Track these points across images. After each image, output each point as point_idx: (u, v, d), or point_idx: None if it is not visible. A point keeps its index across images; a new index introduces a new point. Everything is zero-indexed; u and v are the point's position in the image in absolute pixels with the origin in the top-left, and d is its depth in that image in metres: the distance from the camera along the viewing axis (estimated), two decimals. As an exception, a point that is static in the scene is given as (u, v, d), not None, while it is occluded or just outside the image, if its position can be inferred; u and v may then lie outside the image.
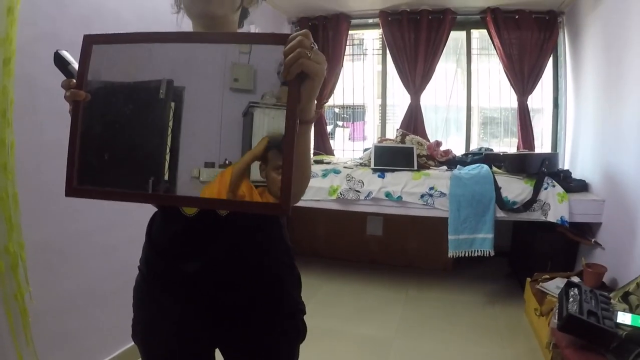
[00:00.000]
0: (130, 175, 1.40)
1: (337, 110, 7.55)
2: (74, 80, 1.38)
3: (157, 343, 1.74)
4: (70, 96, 1.37)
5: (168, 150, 1.35)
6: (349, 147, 7.39)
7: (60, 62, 1.45)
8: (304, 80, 1.27)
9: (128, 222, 3.44)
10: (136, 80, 1.38)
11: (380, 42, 6.78)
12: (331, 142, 7.08)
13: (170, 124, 1.35)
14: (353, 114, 7.63)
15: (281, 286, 1.74)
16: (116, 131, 1.40)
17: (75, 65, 1.41)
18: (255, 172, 1.32)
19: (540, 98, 6.24)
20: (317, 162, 5.70)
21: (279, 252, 1.74)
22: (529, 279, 4.58)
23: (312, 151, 1.42)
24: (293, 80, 1.26)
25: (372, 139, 7.04)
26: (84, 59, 1.38)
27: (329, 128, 7.23)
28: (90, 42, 1.40)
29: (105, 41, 1.41)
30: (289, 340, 1.80)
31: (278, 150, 1.30)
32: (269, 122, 1.31)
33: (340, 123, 7.72)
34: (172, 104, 1.35)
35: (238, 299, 1.64)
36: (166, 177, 1.36)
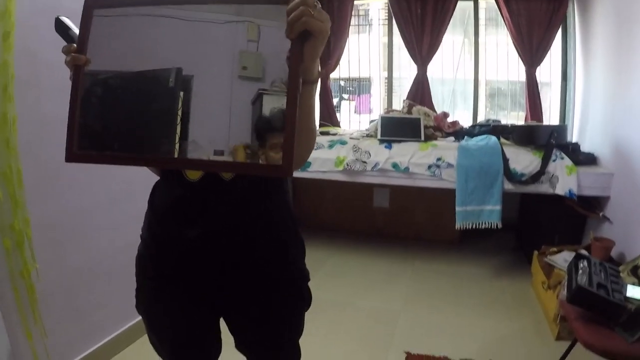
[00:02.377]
0: (133, 146, 1.39)
1: (342, 83, 7.50)
2: (75, 45, 1.36)
3: (160, 311, 1.74)
4: (70, 61, 1.35)
5: (177, 140, 1.34)
6: (354, 119, 7.33)
7: (61, 27, 1.45)
8: (307, 39, 1.25)
9: (134, 197, 3.43)
10: (145, 67, 1.37)
11: (386, 13, 6.70)
12: (337, 115, 7.02)
13: (179, 112, 1.34)
14: (359, 86, 7.58)
15: (285, 252, 1.73)
16: (122, 110, 1.39)
17: (76, 31, 1.40)
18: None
19: (548, 71, 6.17)
20: (323, 133, 5.66)
21: (283, 218, 1.73)
22: (536, 252, 4.58)
23: (317, 119, 1.42)
24: (296, 39, 1.24)
25: (377, 111, 6.99)
26: (85, 23, 1.36)
27: (335, 101, 7.19)
28: (91, 6, 1.37)
29: (106, 5, 1.38)
30: (293, 307, 1.80)
31: (276, 129, 1.28)
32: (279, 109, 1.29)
33: (345, 96, 7.67)
34: (181, 93, 1.34)
35: (241, 265, 1.64)
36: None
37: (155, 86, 1.36)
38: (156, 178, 1.75)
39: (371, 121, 5.90)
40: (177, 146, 1.33)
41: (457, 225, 4.73)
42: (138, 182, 3.42)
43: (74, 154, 1.37)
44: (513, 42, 5.88)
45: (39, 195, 2.79)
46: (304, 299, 1.81)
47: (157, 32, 1.35)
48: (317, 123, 1.49)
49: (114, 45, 1.37)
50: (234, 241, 1.61)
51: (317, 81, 1.39)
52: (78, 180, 3.07)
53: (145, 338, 3.60)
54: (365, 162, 4.93)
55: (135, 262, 1.78)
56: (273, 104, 1.29)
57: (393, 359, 3.52)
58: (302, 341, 1.92)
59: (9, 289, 2.65)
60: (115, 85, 1.38)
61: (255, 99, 1.30)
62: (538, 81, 5.96)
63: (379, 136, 5.09)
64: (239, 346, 1.86)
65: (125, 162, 1.43)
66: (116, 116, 1.39)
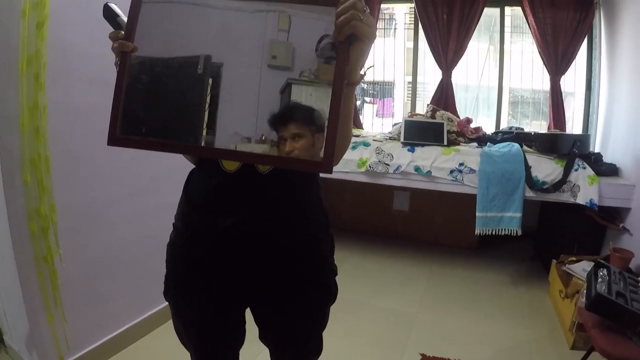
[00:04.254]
0: (172, 132, 1.41)
1: (365, 86, 7.51)
2: (122, 32, 1.38)
3: (188, 299, 1.76)
4: (117, 47, 1.37)
5: (205, 126, 1.36)
6: (376, 122, 7.33)
7: (109, 14, 1.47)
8: (354, 42, 1.27)
9: (158, 190, 3.48)
10: (176, 53, 1.40)
11: (411, 17, 6.70)
12: (361, 117, 7.02)
13: (208, 99, 1.36)
14: (381, 90, 7.59)
15: (316, 246, 1.75)
16: (156, 96, 1.42)
17: (124, 18, 1.42)
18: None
19: (572, 81, 6.14)
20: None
21: (315, 212, 1.75)
22: (554, 261, 4.57)
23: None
24: (343, 42, 1.26)
25: (399, 116, 7.00)
26: (134, 10, 1.38)
27: (357, 104, 7.20)
28: None
29: None
30: (320, 300, 1.82)
31: (296, 120, 1.34)
32: (307, 99, 1.33)
33: (367, 99, 7.68)
34: (210, 80, 1.36)
35: (272, 255, 1.65)
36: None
37: (185, 73, 1.38)
38: (186, 164, 1.77)
39: (394, 124, 5.92)
40: (204, 133, 1.36)
41: (477, 231, 4.73)
42: (163, 174, 3.47)
43: (116, 138, 1.38)
44: (538, 50, 5.86)
45: (65, 182, 2.83)
46: (331, 293, 1.83)
47: (191, 20, 1.38)
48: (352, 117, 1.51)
49: (159, 34, 1.40)
50: (267, 232, 1.63)
51: (358, 83, 1.42)
52: (104, 170, 3.11)
53: (162, 328, 3.65)
54: (387, 164, 4.94)
55: (167, 249, 1.80)
56: (301, 93, 1.31)
57: (408, 360, 3.53)
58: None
59: (33, 273, 2.70)
60: (158, 72, 1.40)
61: (283, 88, 1.32)
62: (562, 90, 5.93)
63: (402, 139, 5.10)
64: (263, 337, 1.88)
65: (166, 148, 1.44)
66: (159, 103, 1.42)
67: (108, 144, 1.39)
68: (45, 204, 2.66)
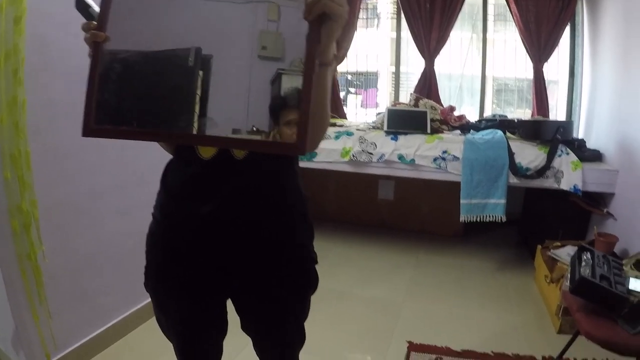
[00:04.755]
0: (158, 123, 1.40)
1: (349, 77, 7.51)
2: (94, 23, 1.37)
3: (168, 289, 1.75)
4: (89, 37, 1.35)
5: (196, 118, 1.34)
6: (361, 112, 7.33)
7: (81, 5, 1.46)
8: (325, 22, 1.26)
9: (142, 183, 3.46)
10: (164, 46, 1.38)
11: (394, 7, 6.69)
12: (345, 108, 7.00)
13: (198, 91, 1.35)
14: (365, 81, 7.59)
15: (294, 233, 1.75)
16: (141, 88, 1.40)
17: (96, 8, 1.40)
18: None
19: (556, 69, 6.17)
20: (329, 124, 5.61)
21: (293, 199, 1.75)
22: (539, 246, 4.61)
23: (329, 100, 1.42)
24: (314, 21, 1.25)
25: (384, 106, 7.00)
26: (106, 1, 1.37)
27: (342, 94, 7.20)
28: None
29: None
30: (300, 288, 1.81)
31: (290, 107, 1.30)
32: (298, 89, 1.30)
33: (352, 90, 7.68)
34: (201, 72, 1.35)
35: (249, 242, 1.65)
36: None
37: (174, 65, 1.37)
38: (169, 157, 1.77)
39: (378, 113, 5.92)
40: (194, 125, 1.34)
41: (462, 218, 4.74)
42: (148, 167, 3.45)
43: (90, 129, 1.37)
44: (521, 38, 5.87)
45: (47, 178, 2.81)
46: (311, 281, 1.83)
47: (178, 11, 1.37)
48: (329, 100, 1.49)
49: (134, 23, 1.38)
50: (244, 219, 1.62)
51: (332, 63, 1.40)
52: (87, 164, 3.09)
53: (150, 322, 3.65)
54: (371, 153, 4.94)
55: (146, 240, 1.79)
56: (292, 83, 1.30)
57: (395, 348, 3.54)
58: (305, 329, 1.94)
59: (16, 270, 2.67)
60: (134, 63, 1.39)
61: (274, 79, 1.32)
62: (545, 78, 5.94)
63: (385, 128, 5.09)
64: (245, 327, 1.87)
65: (141, 137, 1.43)
66: (134, 93, 1.40)
67: (83, 135, 1.37)
68: (27, 200, 2.63)
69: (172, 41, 1.37)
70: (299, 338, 1.94)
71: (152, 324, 3.63)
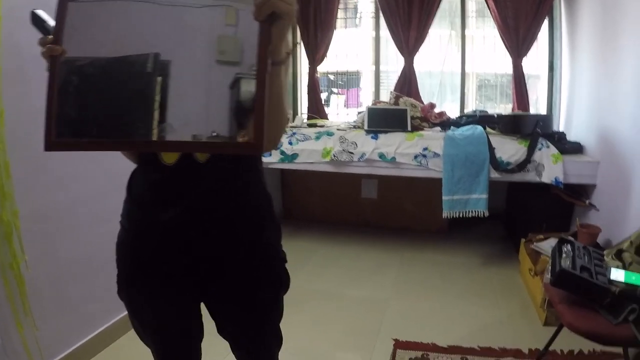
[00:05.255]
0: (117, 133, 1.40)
1: (332, 77, 7.51)
2: (50, 37, 1.38)
3: (141, 297, 1.75)
4: (46, 52, 1.37)
5: (156, 125, 1.34)
6: (345, 113, 7.31)
7: (37, 20, 1.46)
8: (275, 21, 1.27)
9: (122, 187, 3.43)
10: (122, 53, 1.37)
11: (374, 6, 6.69)
12: (326, 109, 6.97)
13: (157, 98, 1.34)
14: (348, 80, 7.59)
15: (260, 234, 1.75)
16: (100, 97, 1.39)
17: (52, 23, 1.41)
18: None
19: (536, 64, 6.19)
20: (310, 125, 5.68)
21: (258, 199, 1.75)
22: (523, 240, 4.63)
23: (288, 97, 1.45)
24: (264, 21, 1.27)
25: (367, 105, 7.01)
26: (60, 13, 1.37)
27: (325, 95, 7.20)
28: None
29: None
30: (271, 289, 1.81)
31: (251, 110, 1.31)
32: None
33: (335, 90, 7.68)
34: (159, 79, 1.34)
35: (217, 247, 1.65)
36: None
37: (132, 72, 1.36)
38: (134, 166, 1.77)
39: (359, 113, 5.92)
40: (154, 131, 1.34)
41: (444, 214, 4.75)
42: (128, 174, 3.43)
43: (52, 142, 1.38)
44: (499, 33, 5.88)
45: (27, 187, 2.80)
46: (282, 281, 1.83)
47: (134, 17, 1.36)
48: (287, 97, 1.49)
49: (91, 33, 1.38)
50: (210, 223, 1.63)
51: (285, 62, 1.42)
52: (66, 173, 3.07)
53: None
54: (352, 152, 4.94)
55: (116, 249, 1.79)
56: (251, 87, 1.30)
57: (381, 346, 3.54)
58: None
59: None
60: (92, 72, 1.38)
61: (233, 83, 1.31)
62: (526, 73, 5.95)
63: (365, 127, 5.10)
64: (220, 331, 1.87)
65: (102, 147, 1.45)
66: (94, 103, 1.39)
67: (45, 150, 1.39)
68: (7, 210, 2.61)
69: (131, 48, 1.36)
70: (276, 340, 1.94)
71: (139, 331, 3.62)
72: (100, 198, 3.35)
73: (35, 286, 2.86)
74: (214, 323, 1.85)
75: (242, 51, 1.32)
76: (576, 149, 4.79)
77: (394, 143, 4.88)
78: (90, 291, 3.32)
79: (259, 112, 1.26)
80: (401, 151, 4.83)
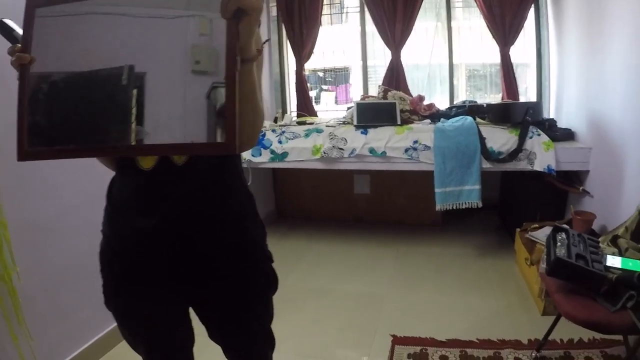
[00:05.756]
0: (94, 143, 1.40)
1: (320, 74, 7.49)
2: (19, 45, 1.37)
3: (128, 306, 1.74)
4: (15, 60, 1.36)
5: (133, 137, 1.35)
6: (336, 109, 7.29)
7: (5, 29, 1.46)
8: (242, 17, 1.25)
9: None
10: (96, 65, 1.37)
11: (359, 1, 6.67)
12: (317, 106, 6.97)
13: (134, 110, 1.34)
14: (337, 77, 7.59)
15: (245, 234, 1.73)
16: (75, 108, 1.40)
17: (20, 32, 1.41)
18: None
19: (523, 52, 6.18)
20: (299, 123, 5.65)
21: (239, 199, 1.73)
22: (518, 229, 4.61)
23: (262, 95, 1.44)
24: (231, 18, 1.25)
25: (354, 98, 7.00)
26: (28, 22, 1.37)
27: (315, 92, 7.19)
28: (32, 5, 1.39)
29: (48, 3, 1.39)
30: (259, 290, 1.80)
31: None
32: None
33: (325, 87, 7.66)
34: (135, 91, 1.34)
35: (202, 250, 1.63)
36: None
37: (108, 84, 1.36)
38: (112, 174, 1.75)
39: (348, 108, 5.90)
40: (131, 137, 1.34)
41: (437, 207, 4.73)
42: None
43: (25, 152, 1.38)
44: (486, 22, 5.86)
45: (15, 198, 2.77)
46: (270, 281, 1.82)
47: (107, 29, 1.36)
48: (260, 94, 1.47)
49: (63, 47, 1.38)
50: (192, 226, 1.61)
51: (255, 59, 1.39)
52: (53, 181, 3.06)
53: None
54: (342, 148, 4.92)
55: (99, 259, 1.79)
56: None
57: (379, 342, 3.52)
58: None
59: (-9, 293, 2.64)
60: (66, 84, 1.38)
61: (209, 93, 1.31)
62: (514, 62, 5.94)
63: (355, 122, 5.08)
64: (211, 336, 1.86)
65: (75, 154, 1.44)
66: (68, 113, 1.39)
67: (18, 160, 1.39)
68: (-4, 222, 2.60)
69: (104, 60, 1.36)
70: (267, 342, 1.93)
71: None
72: (90, 205, 3.31)
73: (28, 296, 2.85)
74: (204, 327, 1.84)
75: (217, 60, 1.31)
76: (567, 135, 4.77)
77: (383, 137, 4.86)
78: (83, 300, 3.29)
79: (231, 111, 1.25)
80: (391, 145, 4.81)
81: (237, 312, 1.76)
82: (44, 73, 1.36)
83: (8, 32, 1.44)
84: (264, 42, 1.53)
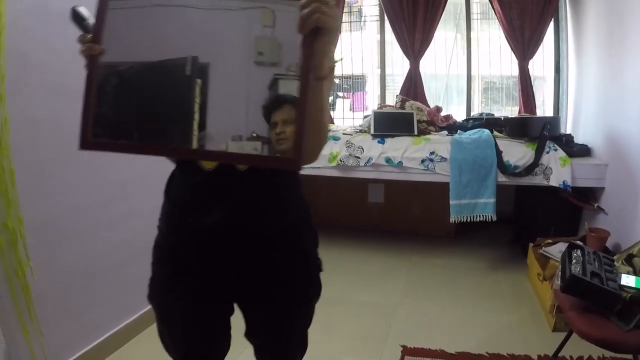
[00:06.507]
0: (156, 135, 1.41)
1: (337, 80, 7.49)
2: (90, 35, 1.36)
3: (173, 301, 1.74)
4: (85, 50, 1.35)
5: (195, 128, 1.35)
6: (350, 117, 7.32)
7: (77, 18, 1.45)
8: (318, 36, 1.24)
9: (128, 195, 3.45)
10: (161, 57, 1.38)
11: (378, 9, 6.68)
12: (332, 113, 6.97)
13: (197, 100, 1.34)
14: (353, 84, 7.59)
15: (298, 240, 1.75)
16: (139, 100, 1.41)
17: (92, 21, 1.40)
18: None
19: (542, 66, 6.18)
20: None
21: (296, 207, 1.76)
22: (531, 244, 4.59)
23: (328, 111, 1.48)
24: (308, 35, 1.24)
25: (372, 108, 7.00)
26: (100, 13, 1.37)
27: (330, 99, 7.18)
28: None
29: None
30: (304, 297, 1.83)
31: (284, 106, 1.33)
32: (295, 93, 1.30)
33: (340, 94, 7.67)
34: (199, 81, 1.34)
35: (254, 253, 1.65)
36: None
37: (171, 75, 1.37)
38: (157, 179, 1.76)
39: (365, 117, 5.91)
40: (194, 135, 1.34)
41: (452, 219, 4.73)
42: (132, 180, 3.44)
43: (88, 142, 1.37)
44: (505, 35, 5.87)
45: (32, 194, 2.79)
46: (316, 289, 1.84)
47: (172, 21, 1.37)
48: (329, 112, 1.50)
49: (130, 36, 1.39)
50: (248, 230, 1.62)
51: (328, 77, 1.38)
52: (70, 179, 3.07)
53: (140, 336, 3.63)
54: (358, 157, 4.93)
55: (152, 252, 1.79)
56: (289, 88, 1.30)
57: (389, 353, 3.52)
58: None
59: (5, 288, 2.66)
60: (131, 75, 1.40)
61: (271, 84, 1.31)
62: (532, 75, 5.94)
63: (372, 131, 5.08)
64: (249, 334, 1.87)
65: (138, 151, 1.42)
66: (132, 105, 1.41)
67: (80, 148, 1.38)
68: (12, 217, 2.62)
69: (169, 51, 1.37)
70: (302, 346, 1.97)
71: (145, 337, 3.62)
72: (104, 205, 3.35)
73: (41, 292, 2.86)
74: (241, 325, 1.85)
75: (280, 52, 1.32)
76: (584, 151, 4.77)
77: (400, 147, 4.87)
78: (94, 298, 3.33)
79: (300, 128, 1.24)
80: (408, 155, 4.81)
81: (281, 317, 1.79)
82: (112, 63, 1.37)
83: (80, 21, 1.43)
84: (337, 61, 1.52)
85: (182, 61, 1.35)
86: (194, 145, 1.34)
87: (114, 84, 1.38)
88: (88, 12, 1.43)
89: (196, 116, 1.33)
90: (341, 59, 6.71)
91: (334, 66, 1.40)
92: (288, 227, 1.71)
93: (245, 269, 1.67)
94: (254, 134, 1.32)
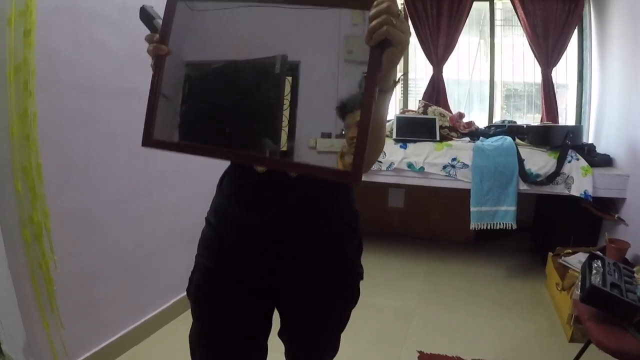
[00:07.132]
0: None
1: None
2: (158, 35, 1.39)
3: (217, 292, 1.73)
4: (153, 50, 1.38)
5: (287, 122, 1.35)
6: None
7: (146, 16, 1.47)
8: (386, 48, 1.22)
9: (152, 192, 3.47)
10: (247, 56, 1.39)
11: (402, 13, 6.67)
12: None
13: (288, 97, 1.35)
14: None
15: (344, 248, 1.77)
16: (220, 100, 1.42)
17: (161, 21, 1.42)
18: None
19: (564, 74, 6.15)
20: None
21: (344, 215, 1.76)
22: (550, 253, 4.58)
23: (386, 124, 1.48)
24: (375, 47, 1.22)
25: (392, 112, 6.98)
26: (168, 14, 1.39)
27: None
28: None
29: None
30: (344, 303, 1.85)
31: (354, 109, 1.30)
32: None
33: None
34: (290, 79, 1.35)
35: (301, 255, 1.67)
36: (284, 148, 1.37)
37: (260, 75, 1.39)
38: (188, 178, 1.78)
39: (387, 121, 5.90)
40: (284, 131, 1.35)
41: (472, 226, 4.73)
42: (157, 179, 3.47)
43: (151, 140, 1.40)
44: (529, 42, 5.86)
45: (58, 189, 2.82)
46: (354, 296, 1.86)
47: (257, 20, 1.38)
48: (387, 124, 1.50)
49: (212, 37, 1.41)
50: (295, 235, 1.64)
51: (392, 90, 1.37)
52: (96, 175, 3.10)
53: (157, 334, 3.65)
54: (380, 161, 4.94)
55: (199, 243, 1.80)
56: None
57: (406, 358, 3.53)
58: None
59: (27, 280, 2.69)
60: (212, 75, 1.42)
61: (361, 82, 1.29)
62: (554, 82, 5.93)
63: (394, 136, 5.10)
64: (283, 333, 1.89)
65: (199, 152, 1.43)
66: (203, 110, 1.43)
67: (142, 145, 1.41)
68: (39, 211, 2.65)
69: (257, 51, 1.38)
70: (333, 349, 2.00)
71: (163, 334, 3.64)
72: (129, 201, 3.37)
73: (63, 286, 2.89)
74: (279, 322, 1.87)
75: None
76: (606, 161, 4.75)
77: (423, 153, 4.88)
78: (115, 293, 3.36)
79: (362, 139, 1.23)
80: (430, 161, 4.83)
81: (319, 321, 1.82)
82: (190, 62, 1.40)
83: (148, 19, 1.46)
84: (401, 75, 1.52)
85: (272, 60, 1.36)
86: (283, 144, 1.35)
87: (191, 84, 1.41)
88: (156, 12, 1.46)
89: (286, 113, 1.34)
90: (405, 74, 6.70)
91: (397, 80, 1.39)
92: (333, 232, 1.72)
93: (290, 270, 1.69)
94: (343, 132, 1.32)
